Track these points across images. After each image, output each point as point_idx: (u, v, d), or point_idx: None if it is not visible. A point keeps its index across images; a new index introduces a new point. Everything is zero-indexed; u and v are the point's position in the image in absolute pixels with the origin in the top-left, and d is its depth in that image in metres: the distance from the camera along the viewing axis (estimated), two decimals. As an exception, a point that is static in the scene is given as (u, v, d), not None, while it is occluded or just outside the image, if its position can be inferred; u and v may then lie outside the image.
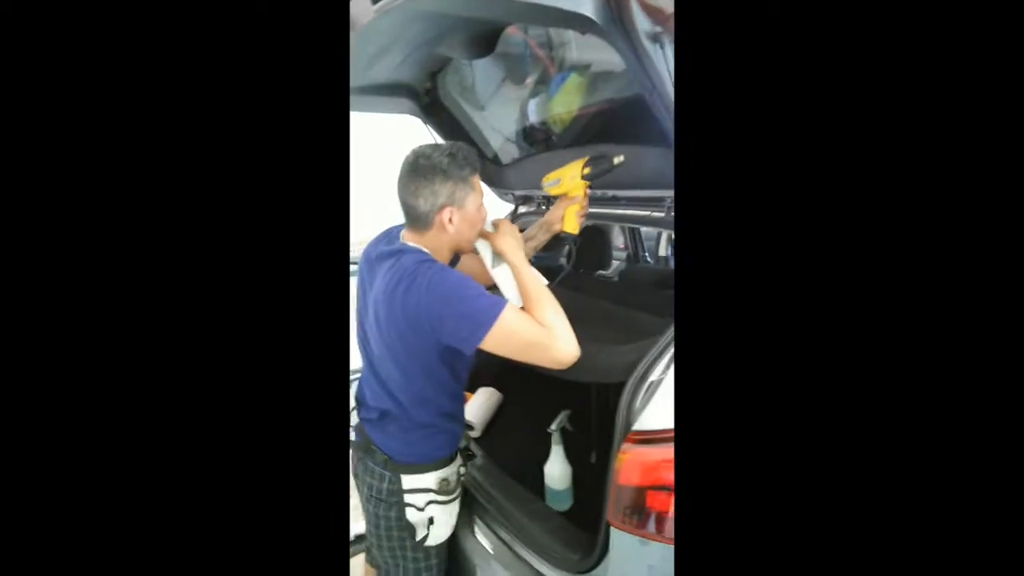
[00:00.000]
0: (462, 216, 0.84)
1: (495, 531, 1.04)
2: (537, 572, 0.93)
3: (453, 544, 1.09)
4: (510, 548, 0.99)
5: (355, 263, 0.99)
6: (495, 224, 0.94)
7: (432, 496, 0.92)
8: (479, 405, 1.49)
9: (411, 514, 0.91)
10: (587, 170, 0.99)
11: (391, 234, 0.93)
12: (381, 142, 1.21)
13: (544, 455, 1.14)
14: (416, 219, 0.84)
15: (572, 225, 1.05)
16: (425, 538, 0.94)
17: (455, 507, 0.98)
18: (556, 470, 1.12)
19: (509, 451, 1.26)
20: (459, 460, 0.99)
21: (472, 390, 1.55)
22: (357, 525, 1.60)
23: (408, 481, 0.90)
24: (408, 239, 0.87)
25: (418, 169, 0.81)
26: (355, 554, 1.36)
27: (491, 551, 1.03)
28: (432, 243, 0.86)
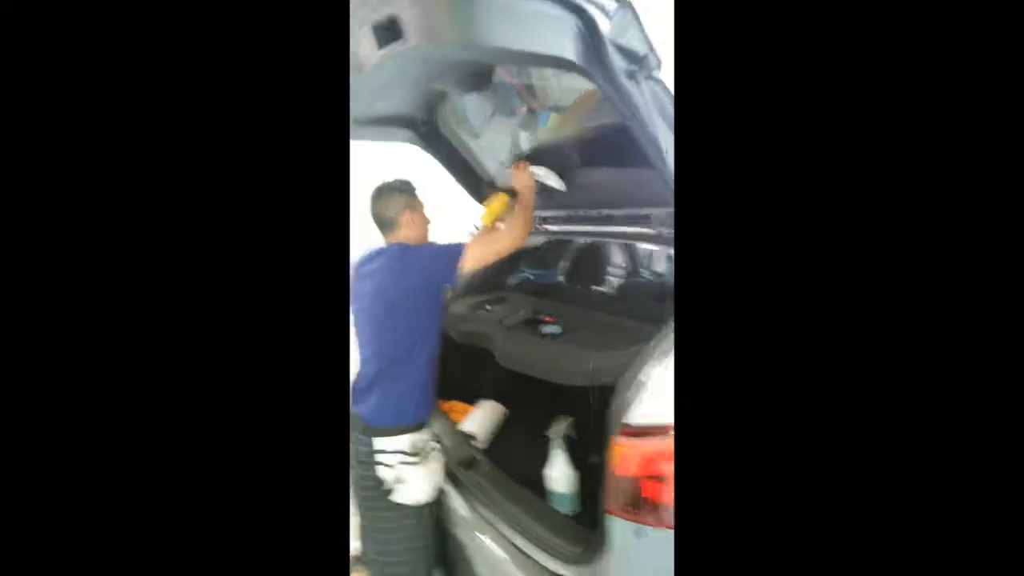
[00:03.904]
0: (419, 216, 1.22)
1: (502, 533, 1.09)
2: (543, 568, 0.98)
3: (460, 546, 1.14)
4: (517, 548, 1.05)
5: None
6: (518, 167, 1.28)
7: (402, 457, 1.09)
8: (482, 416, 1.54)
9: (381, 471, 1.10)
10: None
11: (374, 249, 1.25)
12: (382, 169, 1.33)
13: (546, 460, 1.20)
14: (388, 224, 1.20)
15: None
16: (394, 494, 1.09)
17: (426, 473, 1.13)
18: (559, 473, 1.18)
19: (513, 458, 1.32)
20: (430, 429, 1.19)
21: (471, 402, 1.61)
22: (353, 543, 1.64)
23: (380, 443, 1.10)
24: (389, 242, 1.22)
25: (381, 192, 1.21)
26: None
27: (499, 552, 1.08)
28: (404, 239, 1.20)
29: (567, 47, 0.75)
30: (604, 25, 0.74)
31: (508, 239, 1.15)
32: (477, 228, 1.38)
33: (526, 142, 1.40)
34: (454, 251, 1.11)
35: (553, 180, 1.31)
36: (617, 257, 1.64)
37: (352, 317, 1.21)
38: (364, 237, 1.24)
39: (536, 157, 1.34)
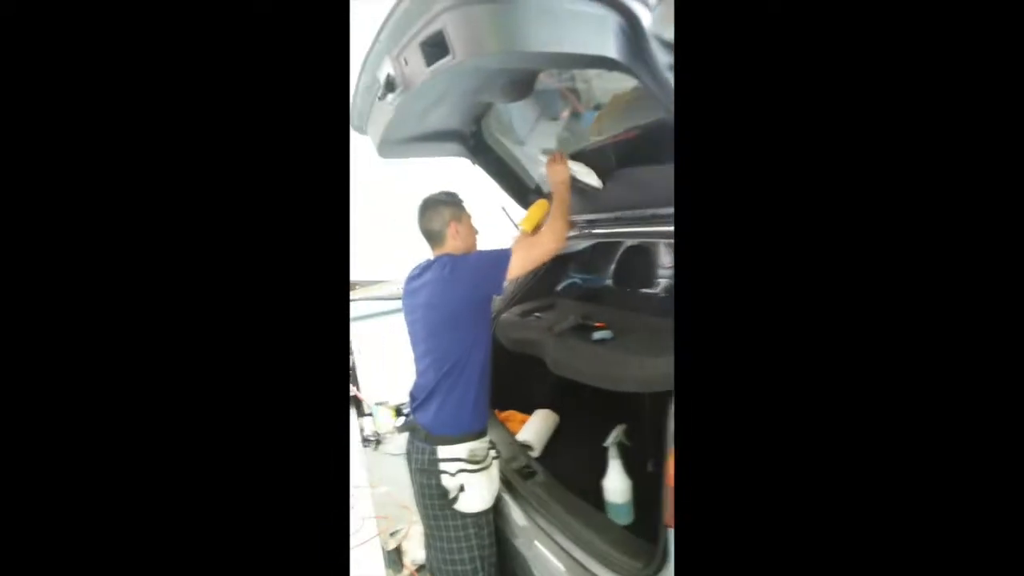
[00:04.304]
0: (465, 228, 1.23)
1: (559, 543, 1.07)
2: (602, 581, 0.95)
3: (518, 556, 1.13)
4: (574, 559, 1.02)
5: (395, 298, 1.31)
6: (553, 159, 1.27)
7: (462, 465, 1.12)
8: (537, 425, 1.53)
9: (444, 479, 1.12)
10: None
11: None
12: (431, 183, 1.36)
13: (603, 470, 1.17)
14: (435, 237, 1.23)
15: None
16: (456, 502, 1.12)
17: (486, 480, 1.15)
18: (615, 484, 1.15)
19: (570, 468, 1.30)
20: (487, 438, 1.19)
21: (529, 412, 1.60)
22: (420, 552, 1.67)
23: (442, 451, 1.13)
24: (437, 254, 1.24)
25: (428, 205, 1.24)
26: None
27: (556, 562, 1.06)
28: (452, 250, 1.22)
29: (609, 46, 0.74)
30: (645, 19, 0.72)
31: (549, 241, 1.15)
32: (519, 230, 1.37)
33: (569, 143, 1.39)
34: (501, 258, 1.12)
35: (592, 178, 1.28)
36: (666, 258, 1.57)
37: (406, 328, 1.25)
38: (416, 250, 1.29)
39: (577, 157, 1.32)
